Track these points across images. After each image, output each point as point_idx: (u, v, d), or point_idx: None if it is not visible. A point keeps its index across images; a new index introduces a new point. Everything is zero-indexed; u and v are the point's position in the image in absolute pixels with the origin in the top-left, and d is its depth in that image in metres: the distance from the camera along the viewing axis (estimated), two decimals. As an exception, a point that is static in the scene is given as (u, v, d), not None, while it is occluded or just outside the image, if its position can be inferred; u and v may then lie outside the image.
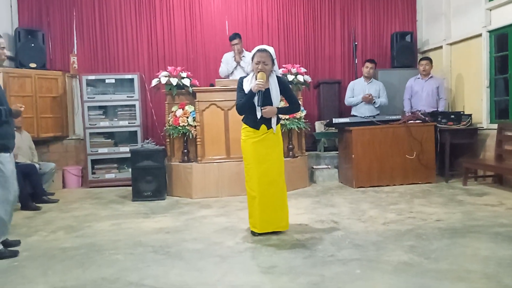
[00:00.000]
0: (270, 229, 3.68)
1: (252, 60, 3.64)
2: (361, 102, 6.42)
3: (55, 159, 6.66)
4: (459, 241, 3.38)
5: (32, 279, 2.90)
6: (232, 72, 6.39)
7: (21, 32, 6.50)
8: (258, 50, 3.60)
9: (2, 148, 3.39)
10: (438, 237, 3.50)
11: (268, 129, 3.65)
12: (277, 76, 3.71)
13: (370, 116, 6.04)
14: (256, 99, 3.54)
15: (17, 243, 3.61)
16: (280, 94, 3.71)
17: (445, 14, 6.88)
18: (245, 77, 3.75)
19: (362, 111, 6.38)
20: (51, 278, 2.91)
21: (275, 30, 7.47)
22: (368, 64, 6.52)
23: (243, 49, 6.40)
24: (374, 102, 6.41)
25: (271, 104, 3.61)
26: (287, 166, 3.84)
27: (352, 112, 6.54)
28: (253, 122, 3.65)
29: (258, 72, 3.54)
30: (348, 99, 6.59)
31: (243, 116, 3.74)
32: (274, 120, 3.67)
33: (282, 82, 3.74)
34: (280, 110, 3.77)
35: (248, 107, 3.60)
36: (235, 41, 6.29)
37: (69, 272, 3.00)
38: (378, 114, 6.29)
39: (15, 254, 3.42)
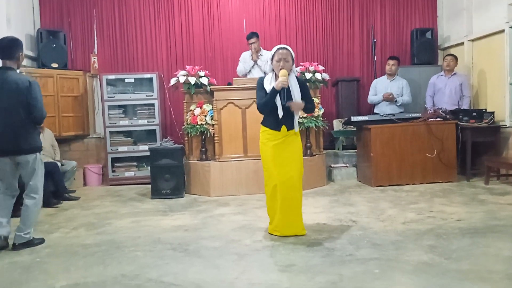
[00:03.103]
0: (291, 232, 3.62)
1: (272, 59, 3.62)
2: (382, 100, 6.34)
3: (76, 157, 6.78)
4: (481, 241, 3.31)
5: (54, 275, 2.96)
6: (250, 71, 6.38)
7: (43, 33, 6.63)
8: (278, 48, 3.60)
9: (41, 148, 3.71)
10: (459, 237, 3.45)
11: (288, 131, 3.64)
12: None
13: (389, 114, 5.96)
14: (279, 97, 3.52)
15: (42, 240, 3.72)
16: None
17: (466, 9, 6.74)
18: (264, 77, 3.74)
19: (384, 109, 6.28)
20: (73, 274, 2.97)
21: (293, 27, 7.44)
22: (390, 61, 6.41)
23: (261, 48, 6.40)
24: (396, 100, 6.31)
25: None
26: (304, 165, 3.82)
27: (375, 111, 6.46)
28: (274, 124, 3.61)
29: (280, 69, 3.53)
30: (370, 97, 6.51)
31: (262, 118, 3.72)
32: (296, 118, 3.64)
33: (301, 82, 3.73)
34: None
35: (271, 105, 3.56)
36: (253, 40, 6.28)
37: (90, 269, 3.06)
38: (401, 112, 6.20)
39: (43, 240, 3.69)
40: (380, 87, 6.44)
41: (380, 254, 3.11)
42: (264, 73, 6.19)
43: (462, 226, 3.73)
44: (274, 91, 3.52)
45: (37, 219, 3.74)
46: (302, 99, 3.66)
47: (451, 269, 2.78)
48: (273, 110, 3.57)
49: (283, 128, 3.61)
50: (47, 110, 6.16)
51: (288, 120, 3.61)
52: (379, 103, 6.40)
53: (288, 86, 3.55)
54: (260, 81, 3.71)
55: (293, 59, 3.62)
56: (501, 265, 2.84)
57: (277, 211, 3.61)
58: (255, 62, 6.33)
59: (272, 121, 3.63)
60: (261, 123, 3.73)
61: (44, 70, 6.48)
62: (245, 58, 6.44)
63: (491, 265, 2.84)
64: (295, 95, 3.60)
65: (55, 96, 6.53)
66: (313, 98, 5.73)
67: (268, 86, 3.61)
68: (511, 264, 2.85)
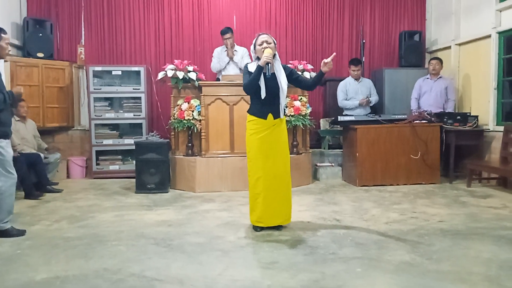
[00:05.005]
0: (276, 223, 3.68)
1: (255, 46, 3.66)
2: (358, 107, 6.47)
3: (60, 149, 6.69)
4: (461, 243, 3.37)
5: (35, 268, 2.92)
6: (225, 67, 6.35)
7: (29, 21, 6.50)
8: (259, 35, 3.68)
9: (3, 135, 3.55)
10: (440, 238, 3.49)
11: (275, 119, 3.63)
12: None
13: (374, 115, 6.04)
14: (263, 78, 3.51)
15: (22, 233, 3.66)
16: (288, 80, 3.69)
17: (455, 14, 6.82)
18: (249, 63, 3.79)
19: (357, 111, 6.44)
20: (54, 267, 2.93)
21: (283, 26, 7.44)
22: (354, 68, 6.56)
23: (235, 44, 6.37)
24: (370, 102, 6.50)
25: (278, 88, 3.60)
26: (291, 163, 3.84)
27: (346, 113, 6.54)
28: (260, 111, 3.62)
29: (264, 50, 3.53)
30: (343, 102, 6.59)
31: (248, 107, 3.73)
32: (282, 103, 3.64)
33: (286, 68, 3.76)
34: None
35: (256, 84, 3.53)
36: (228, 35, 6.23)
37: (72, 262, 3.02)
38: (370, 113, 6.37)
39: (22, 233, 3.62)
40: (351, 90, 6.55)
41: (362, 253, 3.14)
42: (240, 69, 6.21)
43: (443, 228, 3.78)
44: (259, 68, 3.51)
45: (11, 206, 3.61)
46: (291, 82, 3.76)
47: (431, 270, 2.82)
48: (257, 91, 3.57)
49: (270, 116, 3.62)
50: (32, 100, 6.18)
51: (273, 107, 3.62)
52: (354, 107, 6.51)
53: (274, 73, 3.57)
54: (246, 65, 3.75)
55: (275, 43, 3.66)
56: (481, 267, 2.89)
57: (260, 202, 3.63)
58: (231, 58, 6.29)
59: (258, 108, 3.63)
60: (248, 111, 3.73)
61: (30, 60, 6.37)
62: (219, 54, 6.39)
63: (471, 266, 2.89)
64: (281, 81, 3.60)
65: (40, 86, 6.43)
66: (301, 96, 5.82)
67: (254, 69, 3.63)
68: (490, 266, 2.90)
